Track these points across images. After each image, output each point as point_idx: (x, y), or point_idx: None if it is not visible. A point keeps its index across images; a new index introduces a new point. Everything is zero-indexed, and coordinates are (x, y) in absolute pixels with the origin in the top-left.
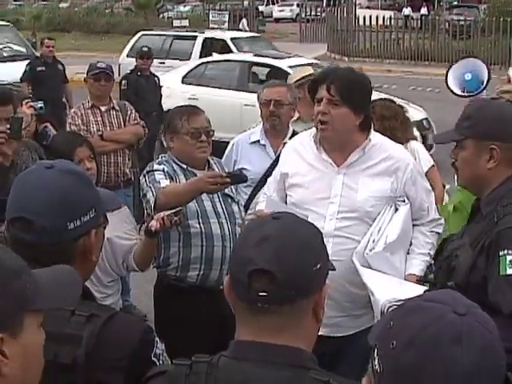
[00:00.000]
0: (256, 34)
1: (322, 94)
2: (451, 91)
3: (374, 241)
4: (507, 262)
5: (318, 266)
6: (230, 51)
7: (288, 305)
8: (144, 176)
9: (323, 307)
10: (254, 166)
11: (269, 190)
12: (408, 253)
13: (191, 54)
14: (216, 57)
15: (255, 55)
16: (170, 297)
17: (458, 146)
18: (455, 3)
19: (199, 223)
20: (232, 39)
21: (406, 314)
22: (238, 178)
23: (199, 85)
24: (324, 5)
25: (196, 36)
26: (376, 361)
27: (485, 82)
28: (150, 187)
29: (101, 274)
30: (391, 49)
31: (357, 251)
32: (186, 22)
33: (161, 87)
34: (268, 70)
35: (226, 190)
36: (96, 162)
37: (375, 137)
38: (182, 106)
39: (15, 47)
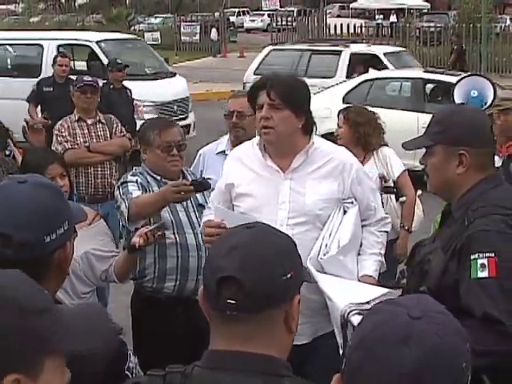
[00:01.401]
0: (401, 48)
1: (262, 99)
2: None
3: (326, 245)
4: (478, 266)
5: (289, 275)
6: (382, 67)
7: (257, 313)
8: (118, 188)
9: (295, 318)
10: (219, 176)
11: (213, 204)
12: (359, 254)
13: (336, 70)
14: (380, 74)
15: (425, 71)
16: (147, 308)
17: (427, 152)
18: (425, 10)
19: (174, 234)
20: (385, 54)
21: (367, 315)
22: (201, 185)
23: (365, 105)
24: (295, 14)
25: (340, 50)
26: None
27: (489, 101)
28: (124, 199)
29: (78, 285)
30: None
31: (310, 257)
32: (157, 35)
33: (133, 100)
34: (433, 86)
35: (200, 201)
36: (69, 178)
37: (317, 140)
38: (155, 119)
39: (153, 64)
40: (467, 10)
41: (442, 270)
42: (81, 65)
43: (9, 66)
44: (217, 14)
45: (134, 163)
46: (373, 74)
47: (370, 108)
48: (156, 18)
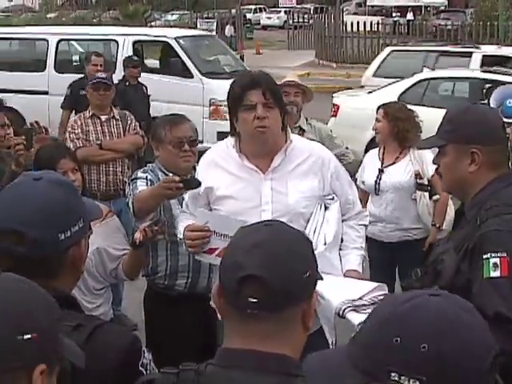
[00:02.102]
0: None
1: (255, 99)
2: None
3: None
4: (491, 265)
5: (308, 273)
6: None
7: (278, 311)
8: (128, 185)
9: (312, 316)
10: None
11: (188, 208)
12: (340, 249)
13: None
14: (436, 73)
15: (483, 71)
16: (160, 305)
17: (440, 151)
18: (442, 8)
19: None
20: None
21: (406, 321)
22: (191, 183)
23: (421, 105)
24: (311, 12)
25: (471, 52)
26: (405, 380)
27: None
28: (131, 195)
29: (90, 281)
30: (379, 54)
31: None
32: None
33: (149, 96)
34: (491, 86)
35: None
36: (81, 173)
37: (293, 137)
38: (167, 115)
39: (229, 61)
40: (484, 7)
41: (455, 270)
42: (152, 63)
43: (76, 63)
44: (233, 10)
45: (148, 160)
46: (429, 73)
47: (426, 108)
48: (173, 14)
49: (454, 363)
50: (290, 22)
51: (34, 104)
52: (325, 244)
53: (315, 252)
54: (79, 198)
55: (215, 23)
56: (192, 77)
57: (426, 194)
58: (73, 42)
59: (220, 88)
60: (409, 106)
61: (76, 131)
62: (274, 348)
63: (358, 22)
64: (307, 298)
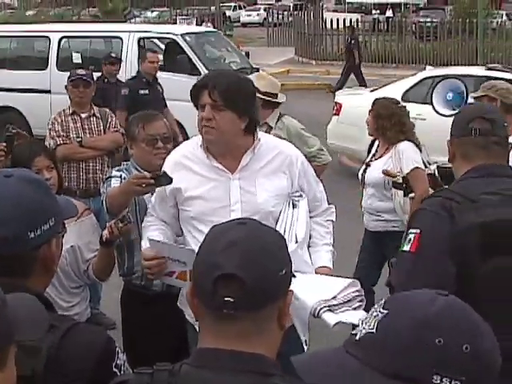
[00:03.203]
0: None
1: (204, 99)
2: (441, 114)
3: None
4: (407, 240)
5: (284, 271)
6: None
7: (255, 311)
8: (103, 183)
9: (287, 314)
10: None
11: (155, 211)
12: (309, 246)
13: None
14: (441, 71)
15: (488, 69)
16: (137, 304)
17: None
18: (421, 5)
19: None
20: None
21: (442, 322)
22: (162, 180)
23: (425, 103)
24: (291, 9)
25: None
26: (446, 381)
27: (465, 95)
28: (105, 193)
29: (65, 280)
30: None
31: None
32: None
33: None
34: None
35: None
36: (58, 170)
37: (262, 136)
38: (140, 113)
39: (235, 58)
40: (463, 4)
41: None
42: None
43: (79, 61)
44: (213, 7)
45: (126, 159)
46: (432, 71)
47: (430, 106)
48: (152, 11)
49: (489, 362)
50: (270, 19)
51: (36, 103)
52: (296, 242)
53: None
54: (51, 196)
55: (194, 20)
56: (199, 74)
57: (400, 192)
58: (75, 39)
59: None
60: (413, 105)
61: (56, 128)
62: (250, 347)
63: (337, 20)
64: (283, 296)
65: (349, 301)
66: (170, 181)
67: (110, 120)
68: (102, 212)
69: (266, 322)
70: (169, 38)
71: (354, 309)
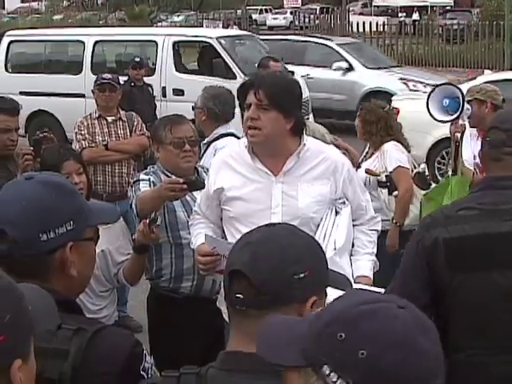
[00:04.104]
0: None
1: (250, 99)
2: (439, 121)
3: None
4: None
5: (302, 274)
6: None
7: (264, 309)
8: (131, 187)
9: None
10: None
11: (200, 209)
12: (351, 254)
13: None
14: (501, 75)
15: None
16: (163, 307)
17: None
18: (448, 8)
19: (190, 233)
20: None
21: (358, 321)
22: (195, 184)
23: None
24: (317, 12)
25: None
26: (334, 377)
27: (461, 102)
28: (134, 197)
29: (94, 283)
30: (385, 55)
31: None
32: None
33: (154, 97)
34: None
35: None
36: (87, 175)
37: (308, 140)
38: (166, 116)
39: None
40: (490, 7)
41: None
42: (190, 64)
43: (111, 65)
44: (239, 11)
45: (150, 162)
46: (492, 75)
47: None
48: (178, 15)
49: (386, 378)
50: (296, 22)
51: (71, 107)
52: (334, 249)
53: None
54: (73, 199)
55: (221, 24)
56: (235, 78)
57: (384, 190)
58: (110, 44)
59: None
60: None
61: (82, 132)
62: None
63: (363, 23)
64: (301, 300)
65: None
66: (203, 185)
67: (135, 123)
68: (128, 215)
69: None
70: (204, 42)
71: None
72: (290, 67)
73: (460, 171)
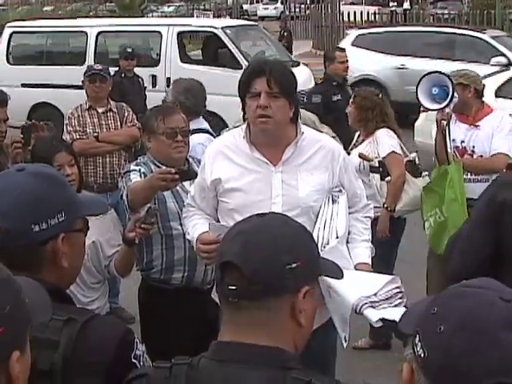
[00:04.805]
0: None
1: (260, 87)
2: (428, 109)
3: (323, 237)
4: None
5: (294, 264)
6: None
7: (257, 301)
8: (122, 178)
9: (305, 310)
10: None
11: (195, 202)
12: (348, 242)
13: None
14: None
15: None
16: (155, 298)
17: None
18: None
19: (181, 224)
20: None
21: (451, 299)
22: (187, 174)
23: None
24: (308, 2)
25: None
26: (419, 347)
27: (450, 91)
28: (125, 188)
29: (86, 275)
30: None
31: None
32: None
33: (145, 88)
34: None
35: None
36: (79, 167)
37: (305, 130)
38: (158, 106)
39: (273, 52)
40: None
41: None
42: (194, 54)
43: (115, 56)
44: (230, 1)
45: (139, 153)
46: None
47: None
48: (169, 6)
49: (452, 361)
50: (287, 12)
51: (74, 99)
52: (337, 237)
53: (328, 246)
54: (66, 191)
55: (212, 14)
56: (240, 68)
57: (377, 175)
58: (113, 35)
59: None
60: (506, 101)
61: (73, 123)
62: (264, 339)
63: (354, 12)
64: (294, 291)
65: (389, 298)
66: (195, 175)
67: (126, 114)
68: (119, 206)
69: (274, 315)
70: (209, 32)
71: (395, 306)
72: (435, 63)
73: (452, 158)
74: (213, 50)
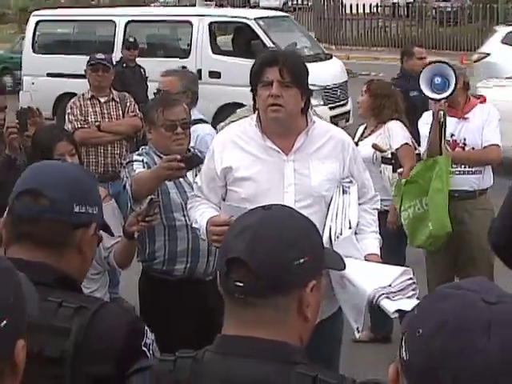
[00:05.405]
0: None
1: (272, 76)
2: (430, 98)
3: (336, 227)
4: None
5: (302, 260)
6: None
7: (265, 298)
8: (124, 168)
9: (311, 305)
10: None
11: (201, 192)
12: (356, 233)
13: None
14: None
15: None
16: (156, 289)
17: None
18: None
19: (184, 215)
20: None
21: (433, 301)
22: (192, 160)
23: None
24: None
25: None
26: (403, 349)
27: (453, 83)
28: (128, 178)
29: None
30: (378, 36)
31: (325, 240)
32: None
33: (147, 78)
34: None
35: None
36: (79, 156)
37: (315, 119)
38: (159, 97)
39: (305, 44)
40: None
41: None
42: (224, 44)
43: (143, 46)
44: None
45: (142, 143)
46: None
47: None
48: None
49: (433, 364)
50: (289, 3)
51: None
52: (350, 227)
53: (342, 236)
54: (98, 189)
55: (214, 4)
56: None
57: (389, 167)
58: (142, 24)
59: None
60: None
61: (75, 112)
62: (270, 335)
63: (357, 4)
64: (302, 286)
65: (403, 289)
66: (201, 160)
67: (128, 104)
68: (120, 197)
69: (283, 311)
70: (241, 23)
71: (408, 297)
72: None
73: (445, 150)
74: (244, 42)
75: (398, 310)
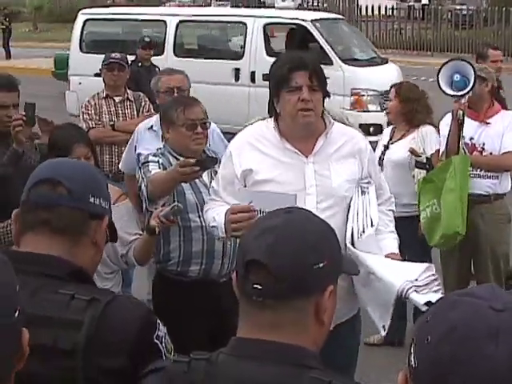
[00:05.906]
0: None
1: (301, 81)
2: (443, 91)
3: (358, 225)
4: None
5: (321, 264)
6: None
7: (283, 301)
8: (140, 168)
9: (328, 310)
10: (147, 150)
11: (219, 195)
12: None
13: None
14: None
15: None
16: (170, 290)
17: None
18: None
19: (199, 216)
20: None
21: (441, 308)
22: (207, 162)
23: None
24: None
25: None
26: (412, 356)
27: (471, 81)
28: (144, 178)
29: (100, 265)
30: (394, 39)
31: (348, 240)
32: None
33: None
34: None
35: None
36: (95, 158)
37: (333, 121)
38: (177, 97)
39: (361, 47)
40: None
41: None
42: (278, 46)
43: (193, 47)
44: None
45: None
46: None
47: None
48: None
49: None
50: (305, 5)
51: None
52: (372, 226)
53: (365, 235)
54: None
55: (229, 4)
56: (331, 64)
57: (422, 171)
58: (194, 24)
59: (361, 77)
60: None
61: (89, 111)
62: (286, 338)
63: (372, 6)
64: (320, 290)
65: (429, 284)
66: (216, 161)
67: (143, 104)
68: None
69: (300, 315)
70: (297, 25)
71: (434, 291)
72: None
73: (462, 150)
74: (299, 44)
75: (428, 303)
